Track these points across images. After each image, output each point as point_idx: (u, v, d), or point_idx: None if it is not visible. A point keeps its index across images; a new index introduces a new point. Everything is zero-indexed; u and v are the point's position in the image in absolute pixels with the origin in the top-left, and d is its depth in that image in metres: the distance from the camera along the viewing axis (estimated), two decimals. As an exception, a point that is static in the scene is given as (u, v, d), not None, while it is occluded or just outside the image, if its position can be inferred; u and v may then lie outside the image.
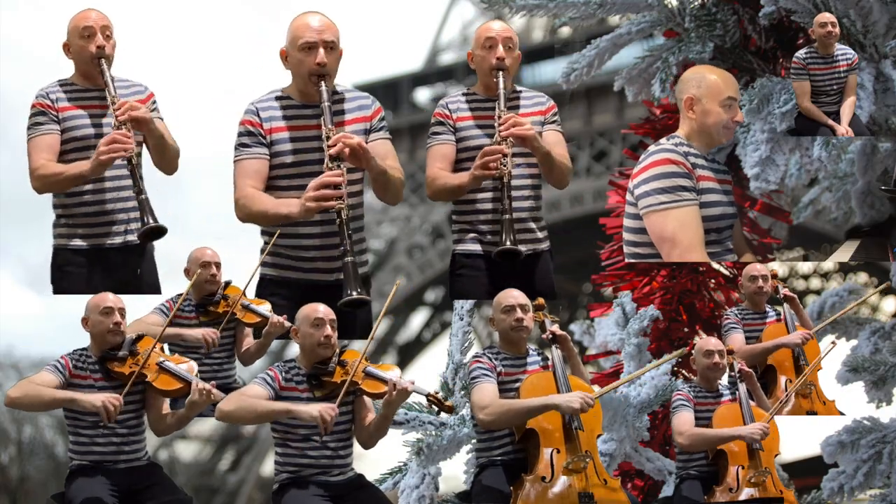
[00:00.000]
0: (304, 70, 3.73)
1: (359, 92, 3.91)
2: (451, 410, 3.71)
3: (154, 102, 3.97)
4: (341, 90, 3.83)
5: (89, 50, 3.85)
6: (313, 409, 3.46)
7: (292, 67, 3.78)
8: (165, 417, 3.67)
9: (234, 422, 3.52)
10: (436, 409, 3.72)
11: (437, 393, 3.66)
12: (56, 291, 3.91)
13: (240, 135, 3.78)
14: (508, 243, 3.78)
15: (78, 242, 3.87)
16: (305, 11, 3.80)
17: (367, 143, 3.74)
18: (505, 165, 3.78)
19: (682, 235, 3.49)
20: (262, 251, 3.82)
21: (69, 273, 3.88)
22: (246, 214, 3.73)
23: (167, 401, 3.67)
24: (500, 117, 3.84)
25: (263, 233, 3.85)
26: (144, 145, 3.91)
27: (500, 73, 3.90)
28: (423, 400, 3.72)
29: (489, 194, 3.92)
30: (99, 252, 3.88)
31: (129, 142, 3.72)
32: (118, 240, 3.90)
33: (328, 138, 3.66)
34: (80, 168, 3.77)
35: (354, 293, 3.56)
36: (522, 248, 3.90)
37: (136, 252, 3.93)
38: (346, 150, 3.63)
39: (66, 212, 3.89)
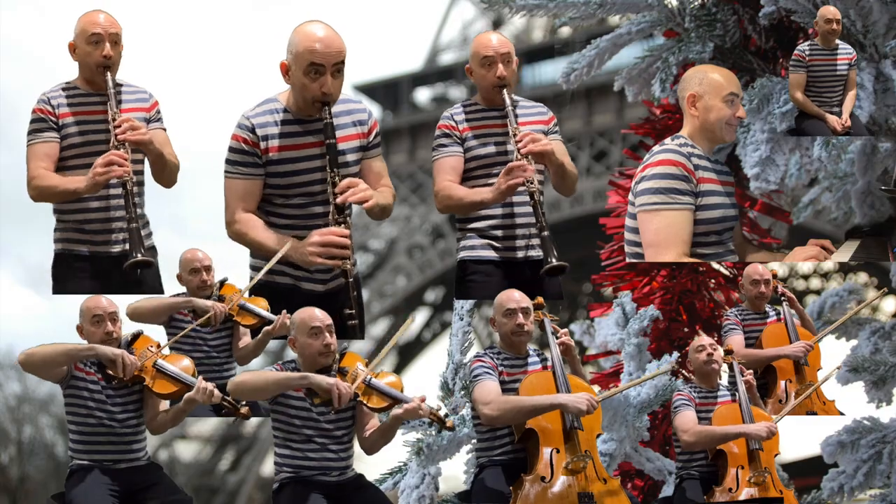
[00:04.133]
0: (309, 95, 3.58)
1: (356, 102, 3.81)
2: (451, 429, 3.69)
3: (158, 112, 3.94)
4: (341, 100, 3.69)
5: (95, 57, 3.80)
6: (329, 379, 3.46)
7: (295, 85, 3.60)
8: (161, 415, 3.67)
9: (245, 392, 3.49)
10: (437, 426, 3.69)
11: (438, 410, 3.61)
12: (56, 292, 3.90)
13: (232, 150, 3.67)
14: (554, 261, 3.73)
15: (80, 248, 3.85)
16: (311, 21, 3.60)
17: (360, 160, 3.73)
18: (533, 183, 3.76)
19: (660, 236, 3.50)
20: (254, 267, 3.79)
21: (71, 278, 3.85)
22: (239, 239, 3.68)
23: (165, 401, 3.67)
24: (514, 135, 3.81)
25: (254, 268, 3.80)
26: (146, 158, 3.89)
27: (504, 90, 3.89)
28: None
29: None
30: (100, 259, 3.85)
31: (126, 164, 3.67)
32: (117, 248, 3.87)
33: (335, 183, 3.58)
34: (75, 184, 3.72)
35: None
36: (533, 253, 3.92)
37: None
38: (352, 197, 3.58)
39: (65, 217, 3.86)
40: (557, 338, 3.79)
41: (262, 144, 3.63)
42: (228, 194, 3.68)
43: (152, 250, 3.95)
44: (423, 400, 3.54)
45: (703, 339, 3.98)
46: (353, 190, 3.59)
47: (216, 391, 3.53)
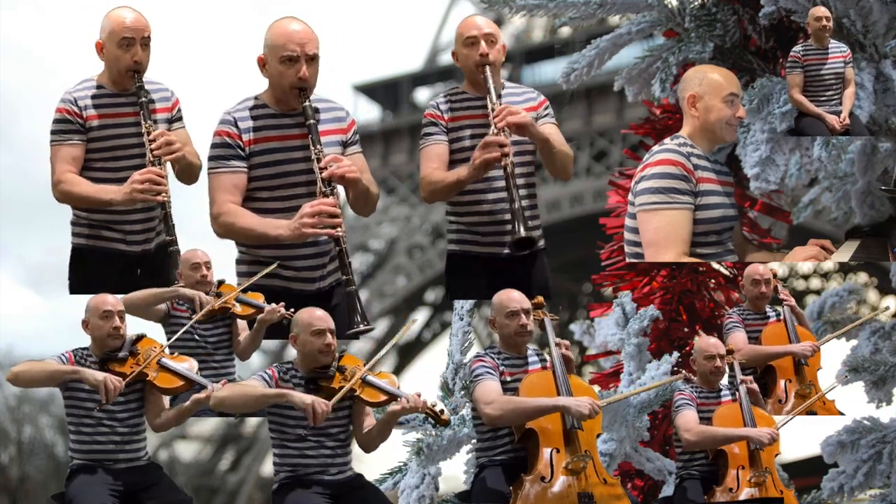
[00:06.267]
0: (286, 83, 3.65)
1: (333, 102, 3.84)
2: (446, 424, 3.69)
3: (179, 111, 3.93)
4: (315, 99, 3.74)
5: (126, 61, 3.76)
6: (307, 397, 3.46)
7: (271, 77, 3.70)
8: (165, 413, 3.67)
9: (228, 407, 3.51)
10: (432, 421, 3.69)
11: (434, 406, 3.62)
12: (74, 292, 3.88)
13: (215, 146, 3.69)
14: (523, 231, 3.69)
15: (110, 245, 3.85)
16: (284, 17, 3.71)
17: (342, 155, 3.73)
18: (507, 156, 3.73)
19: (660, 235, 3.51)
20: (239, 261, 3.80)
21: (93, 274, 3.84)
22: (228, 231, 3.66)
23: (166, 398, 3.68)
24: (493, 110, 3.80)
25: (241, 243, 3.80)
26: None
27: (486, 67, 3.86)
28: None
29: (489, 195, 3.89)
30: (122, 256, 3.86)
31: (164, 184, 3.68)
32: (138, 248, 3.88)
33: (319, 159, 3.62)
34: (109, 195, 3.70)
35: (362, 325, 3.58)
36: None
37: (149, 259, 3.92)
38: (337, 176, 3.60)
39: (94, 214, 3.84)
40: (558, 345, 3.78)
41: (245, 137, 3.68)
42: (213, 190, 3.69)
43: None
44: (419, 396, 3.55)
45: (714, 349, 3.94)
46: (338, 164, 3.62)
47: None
